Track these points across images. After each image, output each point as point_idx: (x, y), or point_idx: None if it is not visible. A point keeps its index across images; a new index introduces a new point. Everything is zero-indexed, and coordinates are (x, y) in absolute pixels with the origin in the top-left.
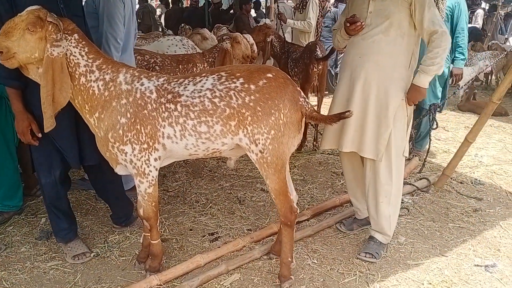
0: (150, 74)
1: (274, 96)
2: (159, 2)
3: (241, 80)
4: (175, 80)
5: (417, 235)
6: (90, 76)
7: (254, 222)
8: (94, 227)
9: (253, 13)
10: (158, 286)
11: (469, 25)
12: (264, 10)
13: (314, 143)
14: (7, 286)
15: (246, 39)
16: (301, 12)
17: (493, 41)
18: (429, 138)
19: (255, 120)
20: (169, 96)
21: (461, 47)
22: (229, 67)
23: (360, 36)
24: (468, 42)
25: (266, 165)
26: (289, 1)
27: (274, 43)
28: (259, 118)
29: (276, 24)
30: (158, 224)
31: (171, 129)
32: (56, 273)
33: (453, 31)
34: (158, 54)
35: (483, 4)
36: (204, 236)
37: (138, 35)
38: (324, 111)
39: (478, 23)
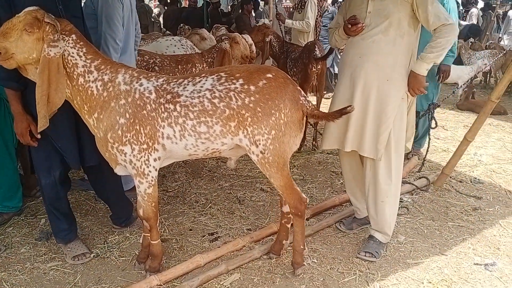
0: (150, 74)
1: (274, 97)
2: (158, 2)
3: (240, 81)
4: (174, 80)
5: (417, 234)
6: (89, 77)
7: (254, 222)
8: (94, 227)
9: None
10: (158, 286)
11: (467, 23)
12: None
13: (314, 142)
14: (7, 287)
15: (245, 39)
16: (300, 12)
17: (491, 41)
18: (429, 137)
19: (255, 121)
20: (168, 97)
21: None
22: (229, 67)
23: (360, 36)
24: (468, 39)
25: (268, 165)
26: (287, 1)
27: (273, 43)
28: (259, 119)
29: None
30: (157, 225)
31: (171, 130)
32: (56, 273)
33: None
34: (157, 54)
35: (480, 4)
36: (204, 236)
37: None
38: (323, 110)
39: (473, 22)
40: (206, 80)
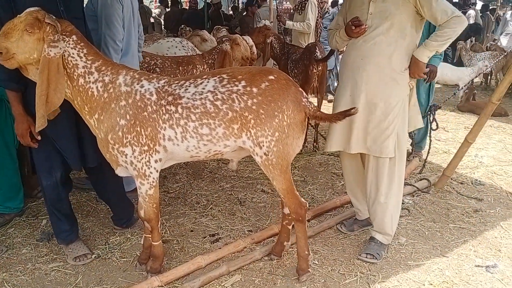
0: (151, 76)
1: (277, 98)
2: (159, 4)
3: (243, 83)
4: (176, 82)
5: (418, 236)
6: (89, 78)
7: (255, 223)
8: (95, 228)
9: None
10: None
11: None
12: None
13: (314, 144)
14: (9, 287)
15: (246, 41)
16: (300, 13)
17: (491, 42)
18: (430, 139)
19: (259, 123)
20: (170, 98)
21: None
22: (231, 69)
23: (361, 38)
24: (468, 38)
25: (272, 167)
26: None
27: (274, 44)
28: (262, 121)
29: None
30: (159, 226)
31: (172, 131)
32: (58, 274)
33: (431, 30)
34: (158, 56)
35: (478, 5)
36: (205, 237)
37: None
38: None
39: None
40: (208, 81)
